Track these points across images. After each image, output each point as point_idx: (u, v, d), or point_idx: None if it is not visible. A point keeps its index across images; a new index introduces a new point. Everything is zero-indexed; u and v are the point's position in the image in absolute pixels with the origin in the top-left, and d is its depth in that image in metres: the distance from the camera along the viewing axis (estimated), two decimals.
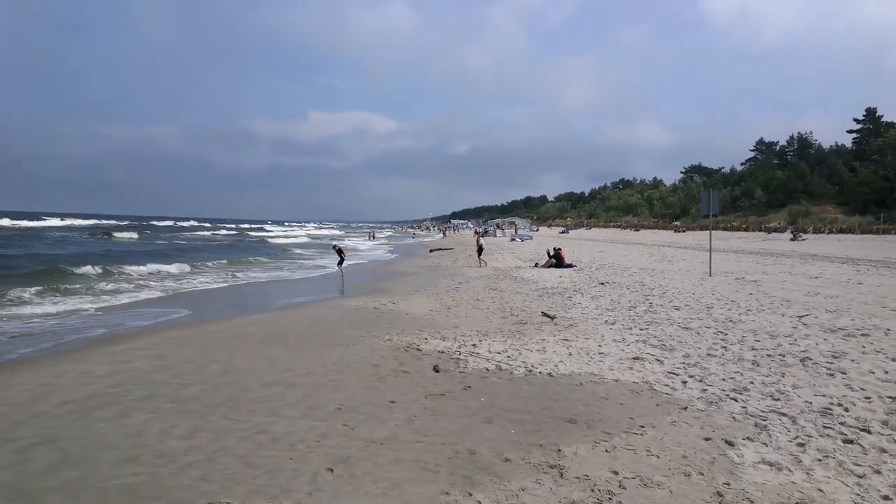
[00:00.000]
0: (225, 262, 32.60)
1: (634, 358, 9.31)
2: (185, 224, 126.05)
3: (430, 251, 46.63)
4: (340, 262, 26.98)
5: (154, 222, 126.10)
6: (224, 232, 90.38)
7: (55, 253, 36.04)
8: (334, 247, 29.80)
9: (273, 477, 5.14)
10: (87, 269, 25.12)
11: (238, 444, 5.91)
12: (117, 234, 64.73)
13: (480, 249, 32.11)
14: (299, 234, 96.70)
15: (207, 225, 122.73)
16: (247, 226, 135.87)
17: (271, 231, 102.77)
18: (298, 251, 46.57)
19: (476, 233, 44.78)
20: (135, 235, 64.98)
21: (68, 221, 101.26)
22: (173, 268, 28.01)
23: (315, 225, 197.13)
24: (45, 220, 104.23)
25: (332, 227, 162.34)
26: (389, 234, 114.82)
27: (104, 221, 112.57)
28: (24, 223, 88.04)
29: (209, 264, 30.58)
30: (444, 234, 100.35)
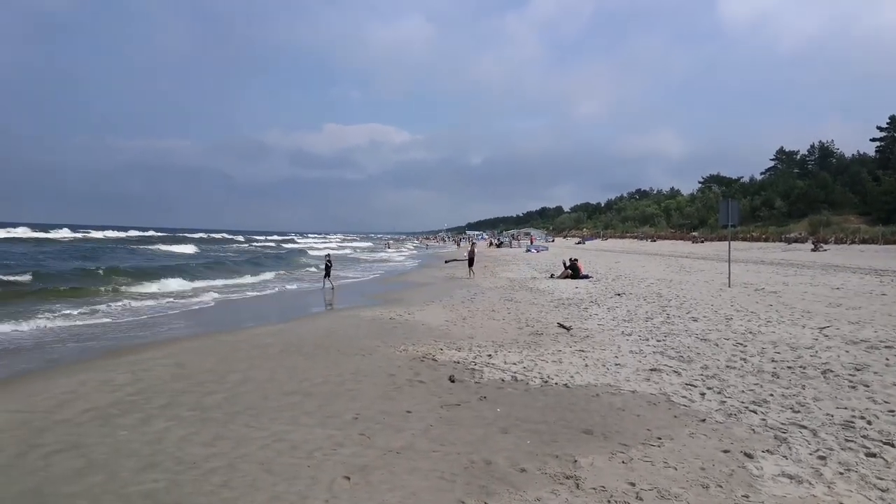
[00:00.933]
0: (286, 270, 35.61)
1: (651, 369, 9.27)
2: (218, 236, 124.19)
3: (445, 262, 46.71)
4: (327, 275, 26.00)
5: (185, 234, 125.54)
6: (262, 244, 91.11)
7: (142, 265, 35.24)
8: (326, 256, 28.93)
9: (292, 484, 5.18)
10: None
11: (258, 452, 5.96)
12: (171, 248, 63.53)
13: (471, 261, 31.66)
14: (332, 245, 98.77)
15: (241, 238, 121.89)
16: (277, 237, 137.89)
17: (304, 242, 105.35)
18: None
19: (472, 242, 44.50)
20: (192, 248, 65.09)
21: (101, 234, 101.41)
22: (269, 275, 31.83)
23: (340, 236, 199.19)
24: (88, 232, 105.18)
25: (355, 239, 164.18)
26: (415, 244, 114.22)
27: (139, 233, 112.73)
28: (67, 234, 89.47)
29: (293, 273, 34.09)
30: (459, 245, 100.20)
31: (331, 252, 35.49)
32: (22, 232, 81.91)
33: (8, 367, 10.31)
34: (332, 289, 24.73)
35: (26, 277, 23.55)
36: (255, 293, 24.18)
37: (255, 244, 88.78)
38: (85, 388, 8.54)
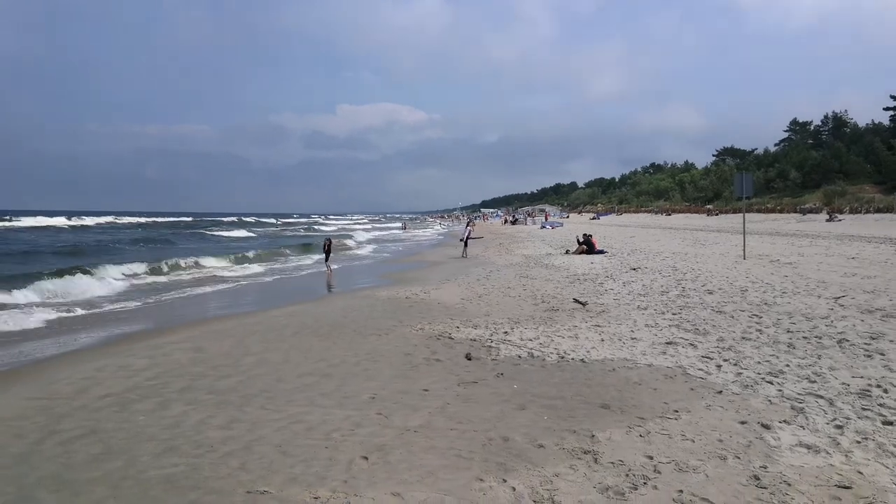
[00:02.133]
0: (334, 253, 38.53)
1: (667, 343, 9.25)
2: (250, 220, 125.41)
3: (460, 240, 46.69)
4: (327, 258, 25.55)
5: (220, 218, 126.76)
6: (297, 226, 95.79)
7: (225, 250, 37.31)
8: (327, 240, 27.84)
9: (309, 465, 5.21)
10: None
11: (274, 434, 6.00)
12: (229, 233, 67.11)
13: (466, 241, 31.29)
14: (367, 226, 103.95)
15: (273, 220, 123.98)
16: (304, 220, 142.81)
17: (336, 224, 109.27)
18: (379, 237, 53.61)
19: (468, 223, 44.40)
20: (246, 233, 69.19)
21: (135, 220, 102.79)
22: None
23: (361, 216, 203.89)
24: (120, 217, 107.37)
25: (381, 219, 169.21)
26: (444, 224, 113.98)
27: (174, 219, 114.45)
28: (108, 220, 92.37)
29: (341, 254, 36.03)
30: (474, 223, 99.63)
31: (330, 235, 35.60)
32: (60, 221, 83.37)
33: (39, 351, 10.48)
34: (331, 271, 24.57)
35: (141, 267, 24.56)
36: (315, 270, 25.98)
37: (298, 229, 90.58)
38: (103, 373, 8.62)
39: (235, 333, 11.25)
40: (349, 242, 47.92)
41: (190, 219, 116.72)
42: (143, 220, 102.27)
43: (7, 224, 72.17)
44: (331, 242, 26.83)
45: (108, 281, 20.43)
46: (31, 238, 47.86)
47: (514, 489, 4.66)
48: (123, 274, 22.65)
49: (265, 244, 44.37)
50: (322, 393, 7.36)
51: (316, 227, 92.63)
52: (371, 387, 7.54)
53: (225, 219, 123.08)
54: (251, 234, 66.04)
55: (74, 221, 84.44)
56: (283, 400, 7.13)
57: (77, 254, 32.83)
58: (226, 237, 59.56)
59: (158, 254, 32.80)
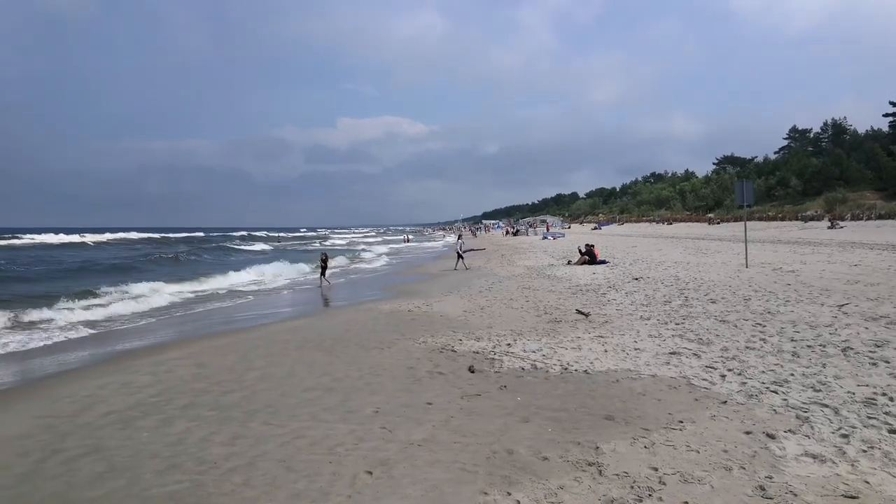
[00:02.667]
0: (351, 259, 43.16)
1: (671, 353, 9.23)
2: (260, 234, 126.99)
3: (457, 253, 46.77)
4: (323, 273, 25.41)
5: (230, 233, 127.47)
6: (309, 240, 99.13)
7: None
8: (323, 255, 27.63)
9: (313, 481, 5.19)
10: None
11: (278, 450, 5.99)
12: (250, 246, 70.14)
13: (460, 256, 31.06)
14: (377, 239, 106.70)
15: (284, 234, 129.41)
16: (313, 234, 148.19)
17: (344, 237, 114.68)
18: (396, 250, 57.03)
19: (459, 235, 44.29)
20: (264, 245, 72.87)
21: (145, 235, 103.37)
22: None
23: (366, 229, 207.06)
24: (136, 233, 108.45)
25: (381, 231, 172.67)
26: (448, 234, 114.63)
27: (186, 234, 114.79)
28: (135, 235, 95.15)
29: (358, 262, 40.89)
30: (475, 234, 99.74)
31: (326, 250, 36.05)
32: (74, 238, 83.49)
33: (54, 367, 10.52)
34: (329, 286, 24.40)
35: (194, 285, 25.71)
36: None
37: (311, 242, 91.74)
38: (106, 391, 8.62)
39: (240, 348, 11.25)
40: (365, 255, 50.08)
41: (201, 234, 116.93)
42: (155, 235, 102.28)
43: (27, 241, 72.54)
44: (327, 257, 26.98)
45: (162, 295, 21.52)
46: (56, 255, 48.32)
47: (518, 502, 4.64)
48: (191, 290, 23.84)
49: (290, 257, 44.72)
50: (325, 408, 7.34)
51: (327, 241, 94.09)
52: (374, 401, 7.52)
53: (235, 233, 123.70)
54: (268, 247, 68.87)
55: (90, 238, 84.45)
56: (286, 415, 7.12)
57: (116, 271, 33.30)
58: (248, 250, 61.84)
59: (196, 269, 34.26)
